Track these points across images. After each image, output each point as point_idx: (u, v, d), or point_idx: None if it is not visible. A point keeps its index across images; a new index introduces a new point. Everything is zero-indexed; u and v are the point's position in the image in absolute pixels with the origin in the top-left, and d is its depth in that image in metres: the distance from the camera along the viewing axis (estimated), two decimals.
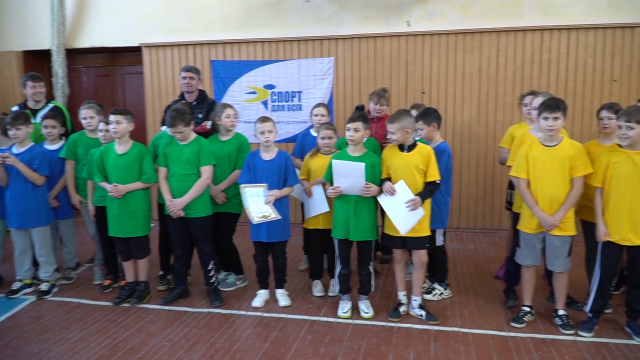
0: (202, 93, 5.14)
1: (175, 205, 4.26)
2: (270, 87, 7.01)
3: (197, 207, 4.32)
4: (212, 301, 4.40)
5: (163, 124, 4.95)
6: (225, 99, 7.07)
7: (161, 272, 4.86)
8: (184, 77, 4.99)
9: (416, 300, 4.13)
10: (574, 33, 6.18)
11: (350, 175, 3.94)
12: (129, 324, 4.09)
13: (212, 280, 4.43)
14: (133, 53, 7.52)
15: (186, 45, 7.21)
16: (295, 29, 6.87)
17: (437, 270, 4.49)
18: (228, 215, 4.61)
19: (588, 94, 6.22)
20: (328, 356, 3.53)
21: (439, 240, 4.38)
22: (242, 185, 4.22)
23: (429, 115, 4.30)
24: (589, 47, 6.17)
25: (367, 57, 6.73)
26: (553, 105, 3.65)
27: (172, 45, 7.25)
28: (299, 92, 6.94)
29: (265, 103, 7.04)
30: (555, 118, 3.64)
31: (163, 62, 7.30)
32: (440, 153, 4.24)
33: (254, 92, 7.05)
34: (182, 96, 5.14)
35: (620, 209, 3.58)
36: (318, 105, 5.06)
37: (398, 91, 6.69)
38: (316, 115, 4.97)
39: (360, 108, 4.97)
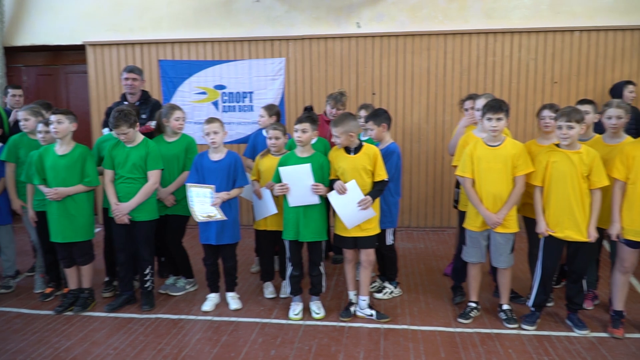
0: (145, 93, 5.02)
1: (121, 210, 4.14)
2: (220, 87, 6.91)
3: (143, 210, 4.22)
4: (142, 305, 4.32)
5: (105, 126, 4.80)
6: (175, 100, 6.93)
7: (107, 279, 4.72)
8: (127, 78, 4.85)
9: (364, 300, 4.16)
10: (517, 36, 6.39)
11: (298, 179, 3.94)
12: (71, 333, 3.95)
13: (146, 285, 4.34)
14: (77, 51, 7.27)
15: (133, 44, 7.02)
16: (245, 29, 6.81)
17: (387, 269, 4.54)
18: (177, 218, 4.52)
19: (530, 95, 6.44)
20: (279, 358, 3.52)
21: (389, 240, 4.43)
22: (188, 185, 4.14)
23: (378, 115, 4.34)
24: (531, 50, 6.39)
25: (318, 58, 6.74)
26: (496, 106, 3.76)
27: (118, 44, 7.05)
28: (250, 93, 6.88)
29: (215, 104, 6.95)
30: (498, 119, 3.75)
31: (109, 62, 7.09)
32: (390, 153, 4.29)
33: (204, 93, 6.94)
34: (123, 97, 5.00)
35: (560, 207, 3.71)
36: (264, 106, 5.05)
37: (349, 92, 6.69)
38: (262, 116, 4.96)
39: (308, 109, 4.97)
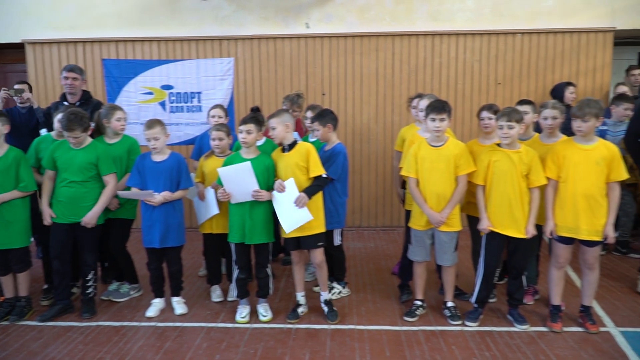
0: (86, 93, 4.86)
1: (87, 223, 4.05)
2: (167, 87, 6.77)
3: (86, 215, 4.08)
4: (82, 313, 4.18)
5: (43, 126, 4.62)
6: (120, 100, 6.75)
7: (45, 286, 4.54)
8: (66, 77, 4.69)
9: (323, 295, 4.17)
10: (462, 38, 6.52)
11: (239, 178, 3.89)
12: (7, 343, 3.78)
13: (88, 291, 4.21)
14: (16, 50, 6.96)
15: (75, 42, 6.78)
16: (192, 28, 6.69)
17: (335, 270, 4.55)
18: (121, 222, 4.39)
19: (475, 96, 6.59)
20: None
21: (337, 240, 4.44)
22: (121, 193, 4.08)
23: (324, 116, 4.34)
24: (475, 52, 6.54)
25: (268, 58, 6.70)
26: (439, 107, 3.82)
27: (59, 43, 6.79)
28: (199, 93, 6.77)
29: (163, 104, 6.79)
30: (441, 119, 3.81)
31: (49, 60, 6.82)
32: (337, 154, 4.30)
33: (150, 93, 6.78)
34: (63, 97, 4.82)
35: (501, 205, 3.80)
36: (215, 106, 4.96)
37: None
38: (213, 116, 4.87)
39: (255, 110, 4.91)
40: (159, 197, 3.99)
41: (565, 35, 6.46)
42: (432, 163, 3.90)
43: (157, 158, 4.14)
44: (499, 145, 3.86)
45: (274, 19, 6.66)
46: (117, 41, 6.76)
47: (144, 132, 4.04)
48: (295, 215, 3.91)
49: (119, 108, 4.43)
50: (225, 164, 4.03)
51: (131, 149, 4.40)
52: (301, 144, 4.03)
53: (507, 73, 6.55)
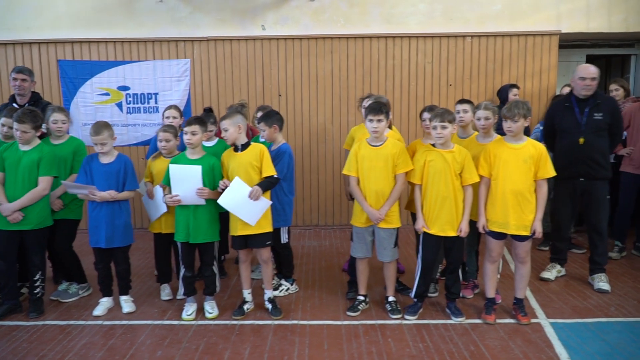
0: (35, 95, 4.88)
1: (3, 211, 4.02)
2: (124, 88, 6.79)
3: (34, 218, 4.13)
4: (29, 312, 4.21)
5: None
6: (76, 101, 6.76)
7: None
8: (15, 79, 4.71)
9: (267, 293, 4.27)
10: (414, 41, 6.70)
11: (187, 179, 3.97)
12: None
13: (35, 291, 4.24)
14: None
15: (30, 43, 6.76)
16: (149, 29, 6.73)
17: (283, 267, 4.66)
18: (67, 222, 4.42)
19: (428, 97, 6.77)
20: (164, 358, 3.54)
21: (284, 238, 4.55)
22: (65, 183, 4.11)
23: (270, 117, 4.44)
24: (427, 54, 6.72)
25: (224, 60, 6.77)
26: (376, 108, 3.95)
27: (14, 44, 6.76)
28: (155, 94, 6.81)
29: (119, 105, 6.81)
30: (379, 120, 3.94)
31: (4, 62, 6.78)
32: (282, 154, 4.41)
33: (107, 94, 6.79)
34: (12, 99, 4.84)
35: (436, 203, 3.95)
36: (170, 107, 5.04)
37: (255, 94, 6.81)
38: (167, 117, 4.94)
39: (207, 110, 5.00)
40: (103, 193, 4.03)
41: (512, 38, 6.68)
42: (372, 162, 4.03)
43: (105, 160, 4.18)
44: (433, 145, 4.01)
45: (230, 21, 6.74)
46: (73, 42, 6.75)
47: (91, 138, 4.08)
48: (254, 207, 4.00)
49: (57, 110, 4.43)
50: (170, 164, 4.10)
51: (77, 151, 4.44)
52: (255, 145, 4.12)
53: (458, 75, 6.75)
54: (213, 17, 6.72)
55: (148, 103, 6.79)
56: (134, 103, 6.81)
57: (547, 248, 5.61)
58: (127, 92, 6.80)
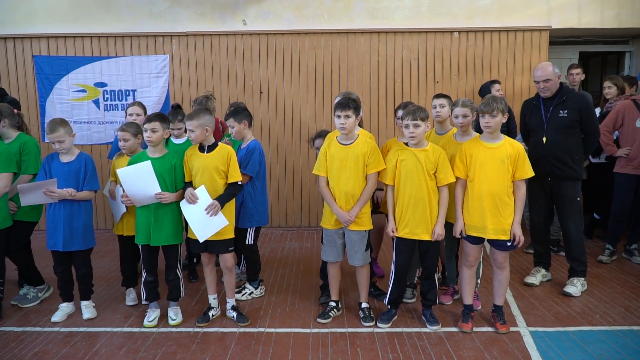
0: (0, 91, 4.69)
1: None
2: (101, 85, 6.59)
3: None
4: None
5: None
6: (52, 98, 6.57)
7: None
8: None
9: (229, 302, 4.07)
10: (400, 36, 6.48)
11: (140, 179, 3.76)
12: None
13: None
14: None
15: (5, 38, 6.56)
16: (127, 24, 6.53)
17: (248, 270, 4.45)
18: (21, 225, 4.22)
19: (414, 94, 6.56)
20: None
21: (250, 239, 4.35)
22: (19, 186, 3.90)
23: (239, 113, 4.25)
24: (413, 50, 6.51)
25: (204, 56, 6.57)
26: (344, 103, 3.74)
27: None
28: (134, 91, 6.61)
29: (97, 102, 6.62)
30: (346, 116, 3.73)
31: None
32: (252, 151, 4.21)
33: (83, 91, 6.59)
34: None
35: (409, 205, 3.72)
36: (133, 104, 4.84)
37: (237, 90, 6.61)
38: (130, 114, 4.75)
39: (176, 107, 4.81)
40: (62, 191, 3.83)
41: (501, 33, 6.46)
42: (342, 161, 3.82)
43: (65, 159, 3.98)
44: (406, 144, 3.80)
45: (211, 15, 6.54)
46: (48, 37, 6.56)
47: (47, 136, 3.89)
48: (209, 222, 3.78)
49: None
50: (129, 164, 3.90)
51: (22, 148, 4.23)
52: (222, 147, 3.91)
53: (445, 71, 6.53)
54: (193, 12, 6.52)
55: (126, 100, 6.58)
56: (111, 100, 6.62)
57: (532, 251, 5.38)
58: (104, 88, 6.60)
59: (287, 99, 6.62)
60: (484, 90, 6.03)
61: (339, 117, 3.75)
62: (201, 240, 3.81)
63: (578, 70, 6.30)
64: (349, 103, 3.73)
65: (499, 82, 6.08)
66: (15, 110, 4.38)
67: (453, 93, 6.44)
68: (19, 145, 4.22)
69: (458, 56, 6.50)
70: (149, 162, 3.76)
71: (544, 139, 4.42)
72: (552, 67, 4.40)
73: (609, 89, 5.81)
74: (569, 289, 4.41)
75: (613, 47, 7.44)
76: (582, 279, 4.49)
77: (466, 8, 6.45)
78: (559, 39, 7.01)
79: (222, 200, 3.78)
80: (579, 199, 4.46)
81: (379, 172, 3.84)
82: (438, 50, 6.50)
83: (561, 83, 4.49)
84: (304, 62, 6.55)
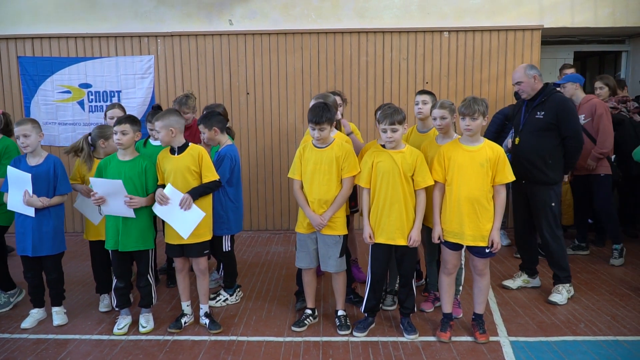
0: None
1: None
2: (86, 86, 6.51)
3: None
4: None
5: None
6: (36, 99, 6.50)
7: None
8: None
9: (202, 308, 3.96)
10: (389, 36, 6.35)
11: (112, 192, 3.67)
12: None
13: None
14: None
15: None
16: (112, 24, 6.44)
17: (225, 276, 4.35)
18: None
19: (403, 95, 6.43)
20: None
21: (226, 246, 4.25)
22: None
23: (209, 118, 4.14)
24: (402, 50, 6.38)
25: (190, 56, 6.47)
26: (317, 118, 3.58)
27: None
28: (119, 92, 6.52)
29: (81, 103, 6.53)
30: (321, 129, 3.63)
31: None
32: (222, 158, 4.11)
33: (68, 92, 6.51)
34: None
35: (384, 209, 3.60)
36: (112, 106, 4.76)
37: (222, 91, 6.51)
38: (112, 117, 4.65)
39: (156, 108, 4.71)
40: (34, 200, 3.75)
41: (492, 33, 6.32)
42: (316, 165, 3.71)
43: (33, 162, 3.89)
44: (383, 146, 3.68)
45: (197, 15, 6.44)
46: (33, 38, 6.48)
47: (14, 129, 3.81)
48: (186, 218, 3.71)
49: None
50: (99, 167, 3.82)
51: (3, 152, 4.15)
52: (193, 147, 3.82)
53: (435, 72, 6.40)
54: (178, 11, 6.42)
55: (111, 101, 6.49)
56: (96, 101, 6.53)
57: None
58: (89, 89, 6.51)
59: (274, 100, 6.51)
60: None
61: (313, 129, 3.63)
62: (186, 237, 3.73)
63: (571, 71, 6.14)
64: (323, 116, 3.58)
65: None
66: (1, 111, 4.30)
67: (443, 94, 6.30)
68: (0, 149, 4.14)
69: (448, 56, 6.36)
70: (120, 182, 3.65)
71: (517, 140, 4.31)
72: (525, 69, 4.27)
73: (601, 90, 5.67)
74: (554, 297, 4.28)
75: (609, 46, 7.28)
76: (567, 284, 4.35)
77: (456, 7, 6.31)
78: (553, 38, 6.86)
79: (193, 192, 3.70)
80: (553, 204, 4.28)
81: (354, 177, 3.72)
82: (428, 50, 6.37)
83: (547, 84, 4.35)
84: (291, 63, 6.44)
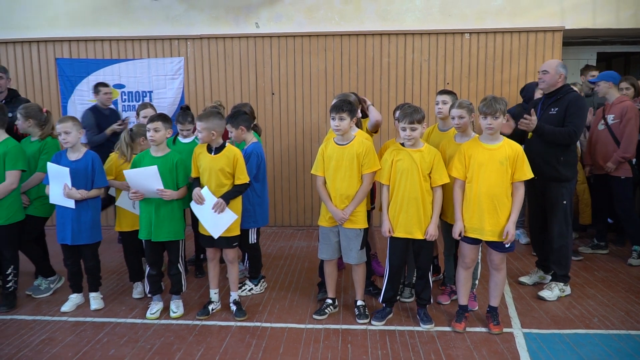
0: (12, 92, 4.95)
1: None
2: (119, 86, 6.83)
3: (3, 213, 4.15)
4: (0, 306, 4.25)
5: None
6: (73, 99, 6.85)
7: None
8: None
9: (232, 295, 4.20)
10: (410, 38, 6.51)
11: (146, 180, 3.92)
12: None
13: (8, 285, 4.28)
14: None
15: (30, 42, 6.87)
16: (144, 27, 6.75)
17: (250, 267, 4.56)
18: (31, 219, 4.43)
19: (424, 96, 6.57)
20: (115, 357, 3.49)
21: (252, 239, 4.46)
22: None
23: (236, 118, 4.36)
24: (424, 52, 6.52)
25: (217, 58, 6.73)
26: (339, 106, 3.81)
27: (14, 42, 6.88)
28: (150, 92, 6.82)
29: (115, 103, 6.83)
30: (341, 118, 3.81)
31: (5, 60, 6.91)
32: (248, 156, 4.32)
33: None
34: None
35: (402, 205, 3.78)
36: (144, 106, 5.02)
37: (249, 92, 6.75)
38: (145, 117, 4.91)
39: (185, 108, 4.96)
40: (73, 192, 4.03)
41: (513, 34, 6.42)
42: (338, 162, 3.90)
43: (73, 157, 4.17)
44: (402, 144, 3.85)
45: (225, 19, 6.69)
46: (70, 40, 6.83)
47: (56, 126, 4.09)
48: (218, 219, 3.94)
49: (22, 109, 4.45)
50: (133, 163, 4.07)
51: (42, 148, 4.45)
52: (229, 149, 4.03)
53: (456, 73, 6.53)
54: (207, 15, 6.69)
55: (143, 101, 6.79)
56: (129, 101, 6.84)
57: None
58: (123, 90, 6.83)
59: (298, 100, 6.73)
60: (528, 90, 5.85)
61: (333, 119, 3.83)
62: (216, 237, 3.97)
63: (595, 72, 6.16)
64: (343, 106, 3.79)
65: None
66: (45, 109, 4.59)
67: (464, 95, 6.43)
68: (39, 145, 4.44)
69: (469, 57, 6.48)
70: (155, 167, 3.89)
71: (530, 135, 4.39)
72: (558, 65, 4.34)
73: (627, 90, 5.70)
74: (544, 292, 4.38)
75: (632, 47, 7.29)
76: (562, 284, 4.43)
77: (477, 9, 6.43)
78: (576, 39, 6.92)
79: (226, 197, 3.93)
80: (565, 201, 4.36)
81: (374, 173, 3.90)
82: (449, 52, 6.50)
83: (566, 84, 4.44)
84: (315, 64, 6.65)
